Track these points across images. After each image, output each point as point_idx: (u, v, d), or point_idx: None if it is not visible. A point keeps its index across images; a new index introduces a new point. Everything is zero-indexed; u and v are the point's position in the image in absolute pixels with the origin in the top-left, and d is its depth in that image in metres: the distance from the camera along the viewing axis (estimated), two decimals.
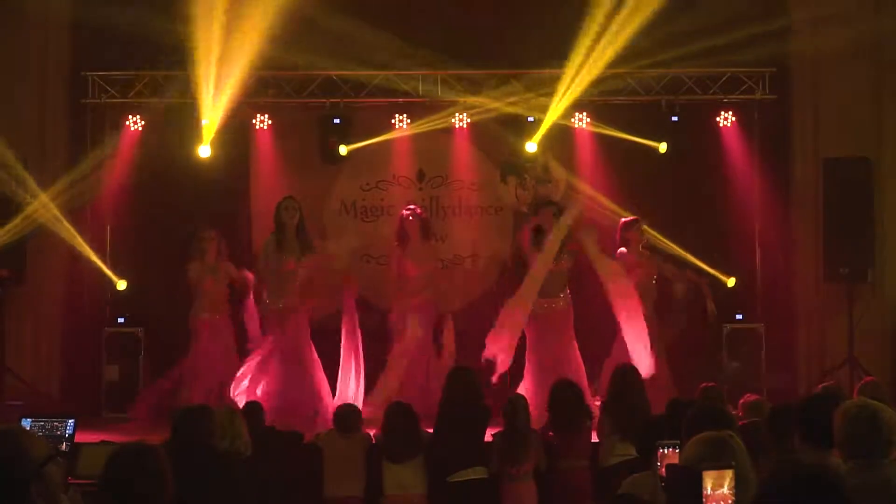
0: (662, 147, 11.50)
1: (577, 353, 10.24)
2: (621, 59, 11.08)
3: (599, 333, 10.70)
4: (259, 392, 10.07)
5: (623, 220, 10.79)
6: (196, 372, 10.47)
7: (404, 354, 10.60)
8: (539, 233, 10.27)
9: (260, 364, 10.18)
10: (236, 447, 6.69)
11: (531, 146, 11.42)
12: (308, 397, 10.12)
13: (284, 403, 9.97)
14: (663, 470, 4.57)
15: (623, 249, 10.63)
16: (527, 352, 10.28)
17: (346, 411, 8.49)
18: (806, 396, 5.99)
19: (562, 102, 11.09)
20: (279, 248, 10.23)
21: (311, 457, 8.31)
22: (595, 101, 11.72)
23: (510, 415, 8.09)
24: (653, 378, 9.64)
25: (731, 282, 11.44)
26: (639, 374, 8.54)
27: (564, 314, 10.28)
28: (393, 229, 10.99)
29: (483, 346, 10.58)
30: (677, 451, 4.56)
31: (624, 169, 11.75)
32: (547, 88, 11.49)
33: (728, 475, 3.84)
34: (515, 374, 10.27)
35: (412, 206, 10.96)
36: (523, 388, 9.75)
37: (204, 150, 11.31)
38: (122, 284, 11.39)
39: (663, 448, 4.63)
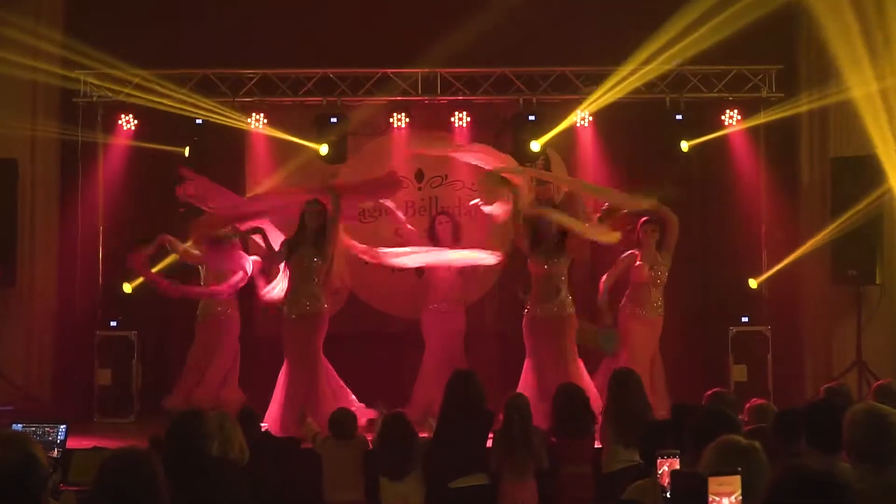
0: (684, 146, 11.51)
1: (578, 364, 10.19)
2: (625, 56, 11.11)
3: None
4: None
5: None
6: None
7: (438, 363, 10.59)
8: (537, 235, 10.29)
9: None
10: (230, 453, 6.67)
11: (535, 146, 11.41)
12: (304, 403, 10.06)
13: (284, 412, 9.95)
14: (664, 479, 4.57)
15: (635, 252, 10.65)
16: (526, 358, 10.27)
17: (342, 416, 8.43)
18: (812, 400, 5.98)
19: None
20: (294, 249, 10.20)
21: (309, 462, 8.29)
22: (598, 100, 11.73)
23: (510, 413, 8.08)
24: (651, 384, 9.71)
25: (753, 283, 11.45)
26: (638, 379, 8.50)
27: (563, 321, 10.20)
28: (420, 232, 10.96)
29: (485, 349, 10.66)
30: (677, 459, 4.56)
31: (627, 168, 11.75)
32: (551, 87, 11.57)
33: (735, 481, 3.84)
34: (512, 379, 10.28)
35: (445, 212, 11.11)
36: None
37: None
38: (127, 288, 11.35)
39: (663, 457, 4.64)
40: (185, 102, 11.58)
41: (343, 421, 8.34)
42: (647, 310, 10.47)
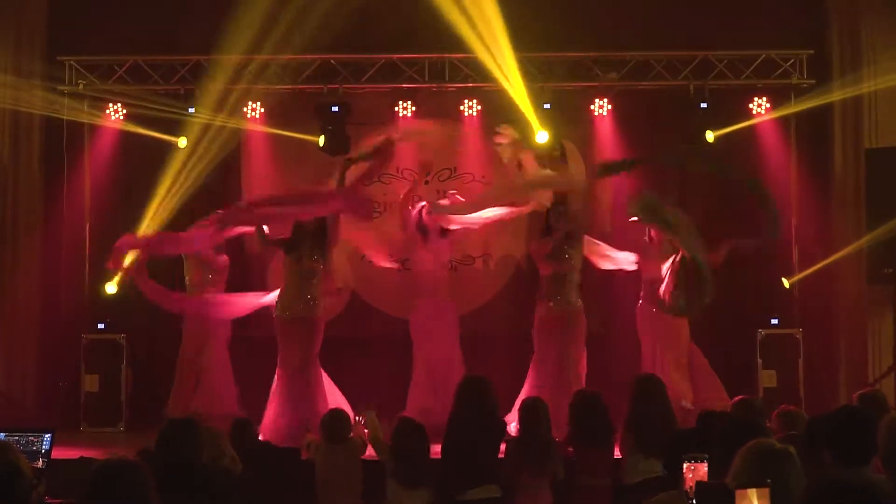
0: (710, 136, 11.51)
1: (583, 370, 10.27)
2: (646, 40, 11.11)
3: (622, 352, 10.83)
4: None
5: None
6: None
7: (430, 364, 10.66)
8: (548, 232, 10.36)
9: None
10: (220, 462, 6.69)
11: (542, 136, 11.37)
12: (302, 412, 10.09)
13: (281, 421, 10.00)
14: (689, 483, 4.57)
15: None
16: (532, 359, 10.35)
17: (334, 418, 8.40)
18: (839, 407, 5.97)
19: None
20: (290, 247, 10.22)
21: (308, 473, 8.29)
22: (617, 87, 11.74)
23: (528, 419, 8.07)
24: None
25: (786, 283, 11.44)
26: (662, 386, 8.50)
27: (573, 319, 10.29)
28: (407, 224, 10.94)
29: (495, 353, 10.67)
30: (705, 464, 4.56)
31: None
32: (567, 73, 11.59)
33: (763, 494, 3.84)
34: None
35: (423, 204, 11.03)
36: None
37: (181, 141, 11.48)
38: (111, 287, 11.37)
39: (690, 461, 4.63)
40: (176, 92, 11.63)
41: (335, 423, 8.32)
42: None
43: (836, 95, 11.71)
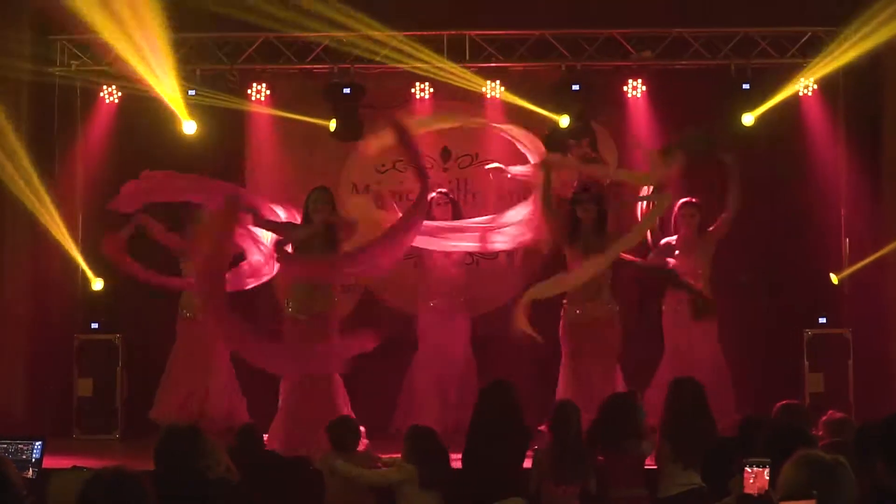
0: (747, 120, 11.45)
1: (619, 377, 10.27)
2: (683, 16, 11.08)
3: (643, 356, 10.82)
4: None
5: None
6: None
7: (429, 367, 10.70)
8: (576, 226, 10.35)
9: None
10: (216, 473, 6.72)
11: (565, 120, 11.37)
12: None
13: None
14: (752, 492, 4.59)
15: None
16: (561, 366, 10.34)
17: (341, 426, 8.42)
18: (893, 413, 5.95)
19: None
20: (301, 246, 10.18)
21: (317, 483, 8.31)
22: (652, 66, 11.70)
23: (560, 424, 8.06)
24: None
25: (835, 279, 11.40)
26: (701, 390, 8.46)
27: (606, 324, 10.29)
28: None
29: (522, 354, 10.67)
30: (767, 469, 4.56)
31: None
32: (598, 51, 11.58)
33: None
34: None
35: (441, 189, 11.02)
36: None
37: (189, 126, 11.45)
38: (98, 284, 11.42)
39: (751, 466, 4.63)
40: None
41: (343, 431, 8.34)
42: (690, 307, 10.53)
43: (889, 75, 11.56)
